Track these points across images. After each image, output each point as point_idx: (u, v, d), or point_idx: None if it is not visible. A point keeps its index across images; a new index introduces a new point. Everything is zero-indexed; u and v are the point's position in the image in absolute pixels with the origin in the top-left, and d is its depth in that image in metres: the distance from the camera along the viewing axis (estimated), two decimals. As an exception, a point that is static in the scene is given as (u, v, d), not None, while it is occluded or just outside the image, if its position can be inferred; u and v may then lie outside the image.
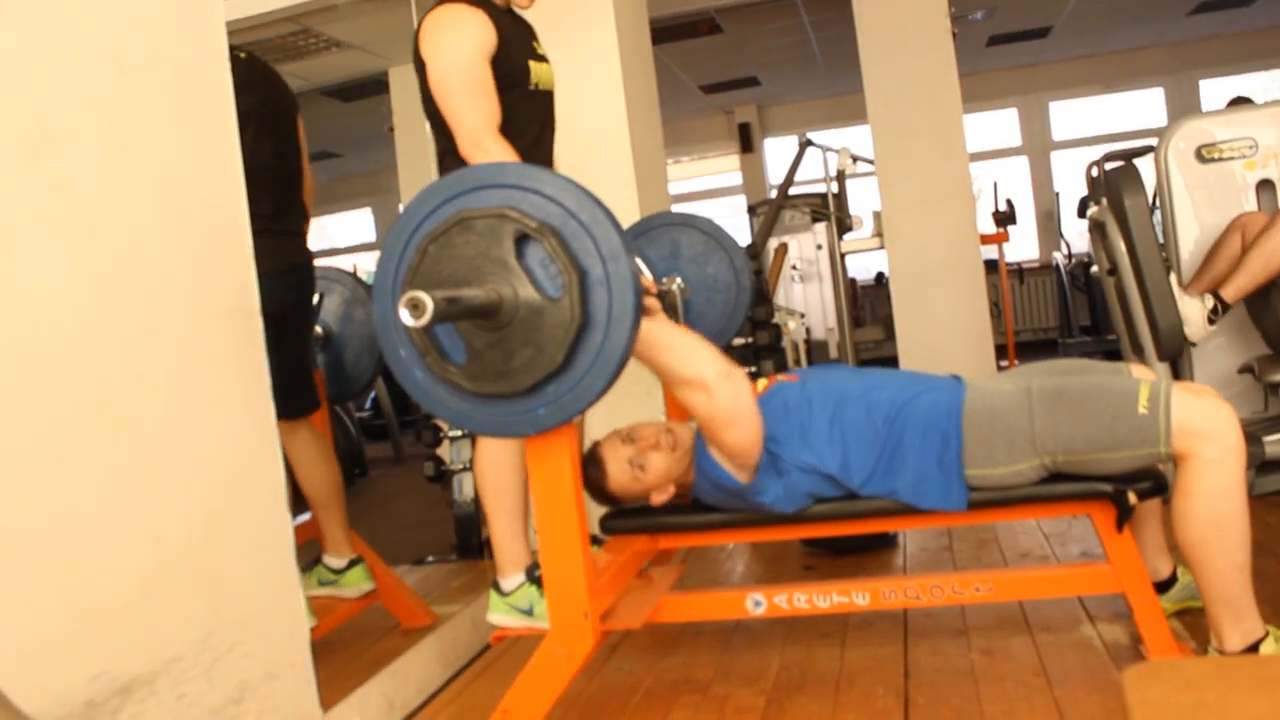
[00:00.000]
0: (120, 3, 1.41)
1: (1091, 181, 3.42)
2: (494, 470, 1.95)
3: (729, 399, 1.71)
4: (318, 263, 2.41)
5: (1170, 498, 1.66)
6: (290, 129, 2.31)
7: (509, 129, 1.94)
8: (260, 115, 2.14)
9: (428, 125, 2.05)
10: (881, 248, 5.03)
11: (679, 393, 1.76)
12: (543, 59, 2.10)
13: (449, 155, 1.99)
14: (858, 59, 4.76)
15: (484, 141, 1.86)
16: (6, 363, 1.18)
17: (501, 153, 1.86)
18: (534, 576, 1.93)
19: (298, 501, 1.89)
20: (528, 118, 2.03)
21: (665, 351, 1.72)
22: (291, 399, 2.28)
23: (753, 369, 3.89)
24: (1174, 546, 1.72)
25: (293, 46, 3.85)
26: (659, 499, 1.92)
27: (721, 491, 1.84)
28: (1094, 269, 3.32)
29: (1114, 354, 4.32)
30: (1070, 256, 7.61)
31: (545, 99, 2.11)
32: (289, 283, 2.24)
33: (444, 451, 3.09)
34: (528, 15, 2.13)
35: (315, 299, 2.43)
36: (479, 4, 1.94)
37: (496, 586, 1.97)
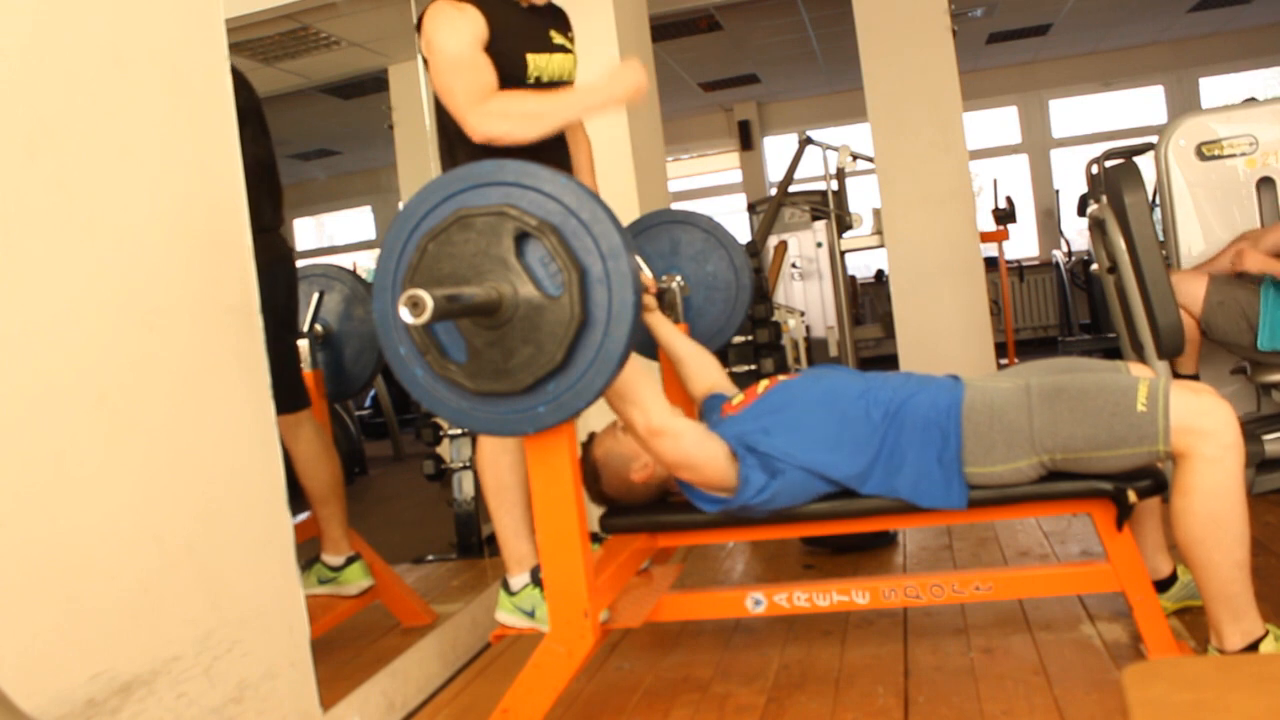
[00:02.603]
0: (120, 2, 1.41)
1: (1091, 179, 3.42)
2: (493, 469, 1.95)
3: (663, 452, 1.72)
4: (318, 261, 2.41)
5: (1169, 496, 1.66)
6: (266, 126, 2.31)
7: None
8: (252, 113, 2.14)
9: (428, 122, 2.05)
10: (881, 245, 5.02)
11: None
12: (558, 49, 2.07)
13: (450, 153, 1.99)
14: (857, 56, 4.76)
15: (477, 107, 1.83)
16: (6, 361, 1.18)
17: (500, 106, 1.83)
18: (538, 578, 1.93)
19: (297, 499, 1.89)
20: None
21: (609, 393, 1.67)
22: (292, 393, 2.27)
23: (753, 366, 3.89)
24: (1174, 545, 1.72)
25: (292, 44, 3.84)
26: (639, 475, 1.91)
27: (705, 505, 1.86)
28: (1094, 267, 3.32)
29: (1114, 352, 4.32)
30: (1070, 254, 7.62)
31: (551, 91, 2.05)
32: (282, 275, 2.24)
33: (444, 450, 3.09)
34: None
35: (299, 295, 2.42)
36: None
37: (505, 585, 1.98)
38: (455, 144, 1.99)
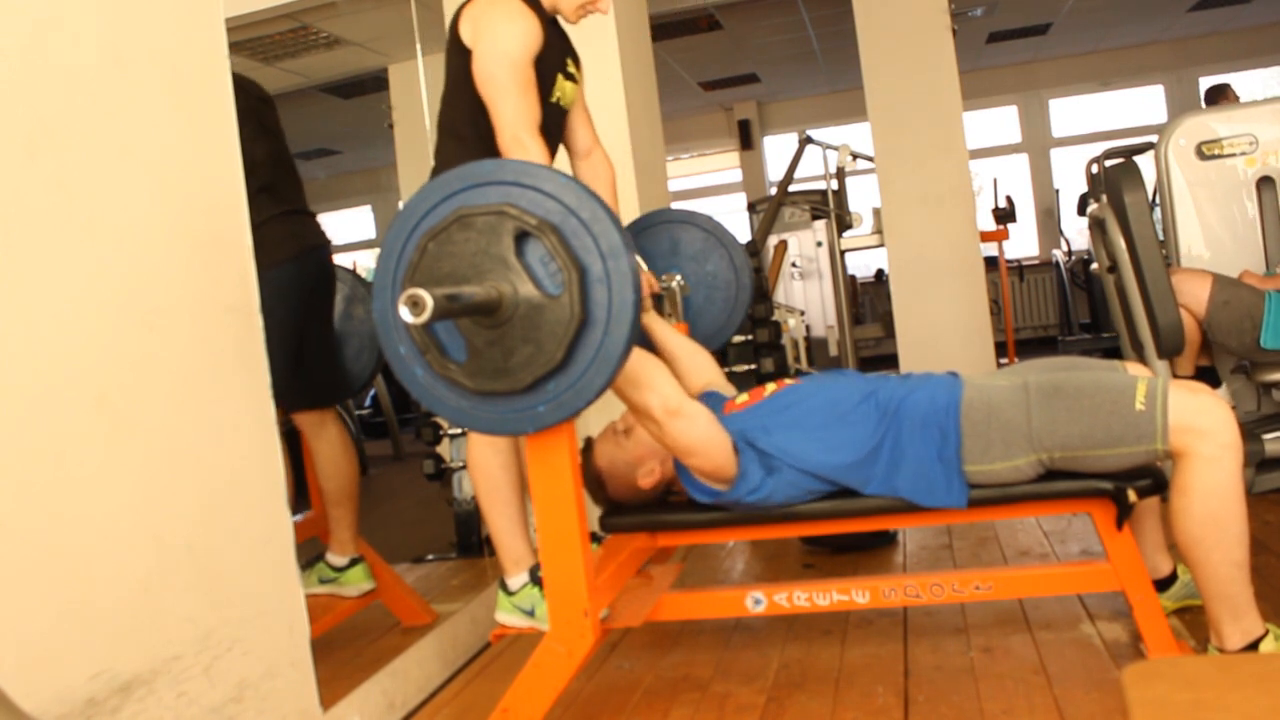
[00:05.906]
0: (120, 2, 1.41)
1: (1091, 178, 3.43)
2: (484, 471, 1.95)
3: (678, 434, 1.71)
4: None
5: (1169, 495, 1.66)
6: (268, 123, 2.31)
7: None
8: (255, 109, 2.14)
9: (428, 122, 2.04)
10: (881, 245, 5.03)
11: (634, 418, 1.76)
12: (571, 77, 2.09)
13: (454, 143, 1.97)
14: (858, 56, 4.76)
15: (524, 137, 1.84)
16: (6, 360, 1.18)
17: (539, 151, 1.84)
18: (537, 577, 1.93)
19: (298, 499, 1.89)
20: (541, 129, 2.01)
21: (620, 383, 1.66)
22: (322, 387, 2.27)
23: (752, 366, 3.89)
24: (1173, 544, 1.72)
25: (292, 43, 3.85)
26: (646, 480, 1.92)
27: (700, 495, 1.86)
28: (1094, 266, 3.33)
29: (1113, 352, 4.33)
30: (1070, 254, 7.62)
31: (559, 115, 2.09)
32: (313, 264, 2.24)
33: (444, 449, 3.09)
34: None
35: (334, 283, 2.42)
36: (531, 4, 1.94)
37: (503, 585, 1.98)
38: (455, 143, 1.98)
